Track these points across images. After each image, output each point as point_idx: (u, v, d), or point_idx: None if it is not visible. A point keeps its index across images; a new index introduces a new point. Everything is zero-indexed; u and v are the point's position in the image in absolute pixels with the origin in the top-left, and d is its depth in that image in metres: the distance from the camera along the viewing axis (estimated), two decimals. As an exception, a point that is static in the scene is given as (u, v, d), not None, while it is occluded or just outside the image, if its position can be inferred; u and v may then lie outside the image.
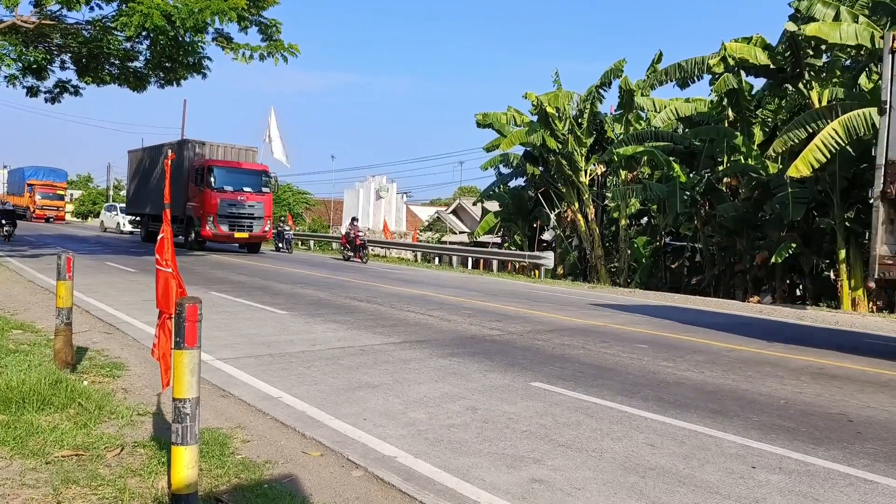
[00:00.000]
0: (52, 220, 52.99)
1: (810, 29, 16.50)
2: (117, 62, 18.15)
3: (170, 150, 4.39)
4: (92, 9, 17.23)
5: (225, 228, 24.27)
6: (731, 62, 20.24)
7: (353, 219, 28.18)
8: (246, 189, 25.23)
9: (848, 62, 21.35)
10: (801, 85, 20.09)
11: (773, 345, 9.71)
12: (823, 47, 18.13)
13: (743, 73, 21.34)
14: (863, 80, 19.78)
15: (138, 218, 32.19)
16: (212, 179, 24.31)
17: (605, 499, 3.76)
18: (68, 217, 61.89)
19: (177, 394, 3.08)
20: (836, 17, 17.05)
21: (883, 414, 5.92)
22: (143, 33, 15.49)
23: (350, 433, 4.72)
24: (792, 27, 18.11)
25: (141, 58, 18.28)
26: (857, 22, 16.82)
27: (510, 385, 6.36)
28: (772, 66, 20.03)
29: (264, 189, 26.01)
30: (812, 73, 19.93)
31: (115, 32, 16.51)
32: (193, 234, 25.00)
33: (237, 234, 24.83)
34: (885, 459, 4.64)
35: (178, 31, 15.26)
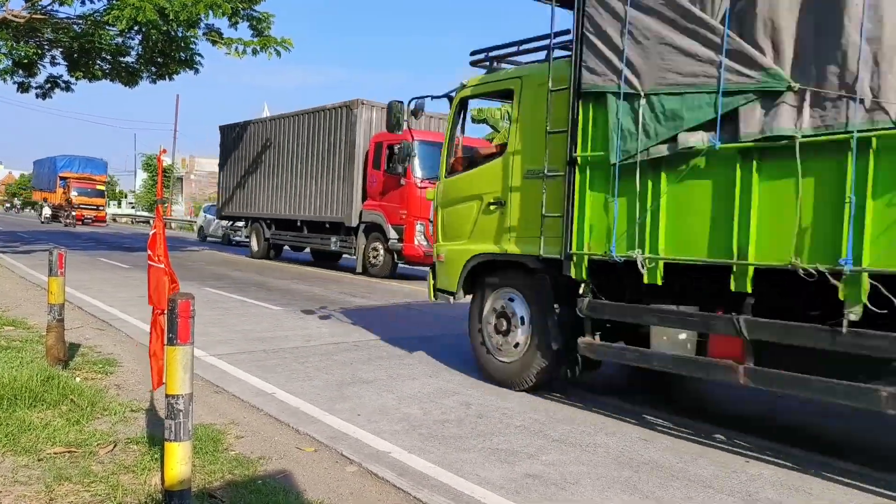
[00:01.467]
0: (90, 221, 41.75)
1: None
2: (109, 57, 18.02)
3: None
4: (84, 3, 17.12)
5: None
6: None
7: None
8: None
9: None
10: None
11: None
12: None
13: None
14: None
15: (240, 223, 24.20)
16: (416, 164, 14.70)
17: (598, 493, 3.78)
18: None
19: (170, 390, 3.07)
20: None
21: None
22: (135, 28, 15.38)
23: (344, 429, 4.71)
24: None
25: (133, 53, 18.14)
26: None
27: (504, 380, 6.35)
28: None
29: None
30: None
31: (107, 27, 16.38)
32: (384, 253, 15.72)
33: None
34: (878, 454, 4.66)
35: (171, 25, 15.16)
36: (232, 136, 22.47)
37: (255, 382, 5.89)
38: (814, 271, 3.76)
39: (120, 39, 17.40)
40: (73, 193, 41.46)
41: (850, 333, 3.70)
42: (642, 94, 4.53)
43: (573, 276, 5.10)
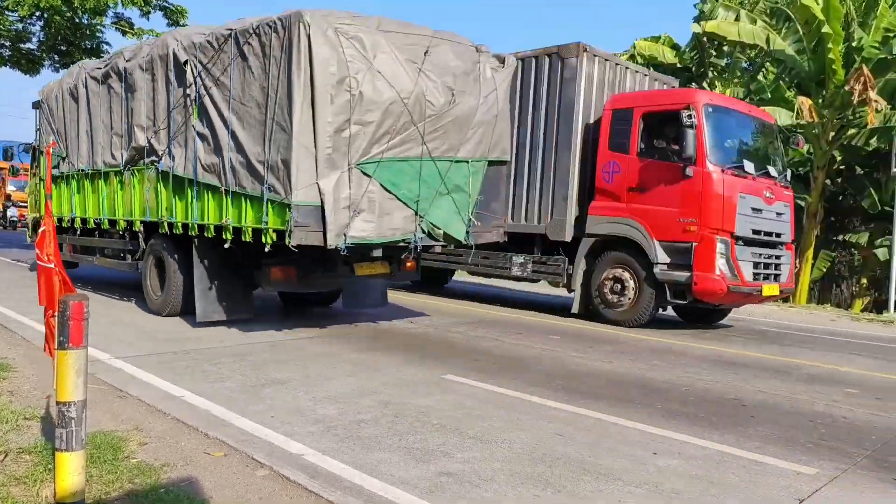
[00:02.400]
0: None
1: (710, 25, 17.24)
2: (8, 43, 17.03)
3: (47, 141, 4.00)
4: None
5: (748, 272, 9.85)
6: (640, 60, 20.95)
7: None
8: (771, 173, 10.54)
9: (747, 64, 22.47)
10: (705, 83, 20.97)
11: (679, 334, 10.09)
12: (725, 48, 18.98)
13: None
14: (759, 78, 20.84)
15: None
16: (709, 144, 9.69)
17: (511, 489, 3.80)
18: None
19: (60, 397, 2.89)
20: (737, 19, 17.87)
21: (774, 398, 6.24)
22: (38, 13, 14.58)
23: (256, 431, 4.58)
24: (697, 28, 18.88)
25: (35, 39, 17.21)
26: (755, 24, 17.68)
27: (423, 378, 6.34)
28: (678, 65, 20.85)
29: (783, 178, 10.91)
30: (715, 72, 20.85)
31: (7, 12, 15.47)
32: (639, 286, 10.25)
33: (766, 289, 10.15)
34: (774, 442, 4.88)
35: (76, 11, 14.45)
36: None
37: (163, 385, 5.65)
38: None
39: (20, 25, 16.47)
40: (11, 188, 32.11)
41: None
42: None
43: None
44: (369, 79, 7.03)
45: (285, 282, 8.38)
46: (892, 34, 16.69)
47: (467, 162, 8.07)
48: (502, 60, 8.62)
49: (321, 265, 8.34)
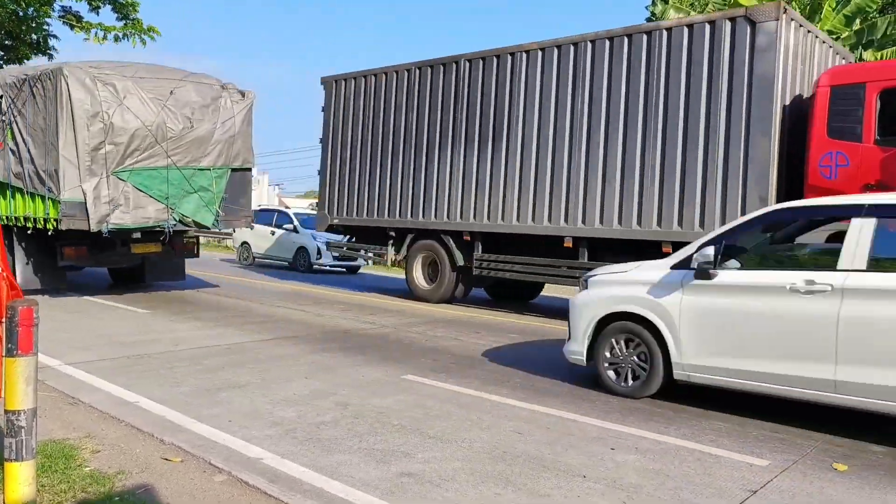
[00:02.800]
0: None
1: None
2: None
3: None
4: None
5: None
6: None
7: None
8: None
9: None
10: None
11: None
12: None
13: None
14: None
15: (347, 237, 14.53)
16: None
17: (472, 488, 3.82)
18: None
19: (9, 405, 2.80)
20: (688, 22, 18.18)
21: (728, 393, 6.38)
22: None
23: (213, 436, 4.51)
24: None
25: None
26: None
27: (382, 379, 6.33)
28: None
29: None
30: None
31: (-55, 5, 14.89)
32: None
33: None
34: (727, 435, 5.00)
35: (20, 3, 13.98)
36: (343, 95, 13.79)
37: (116, 391, 5.53)
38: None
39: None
40: None
41: None
42: None
43: None
44: (119, 112, 10.17)
45: (78, 259, 11.09)
46: (834, 36, 17.24)
47: (210, 169, 11.19)
48: (243, 94, 11.78)
49: (107, 246, 11.03)
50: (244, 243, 20.80)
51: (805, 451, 4.69)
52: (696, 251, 5.50)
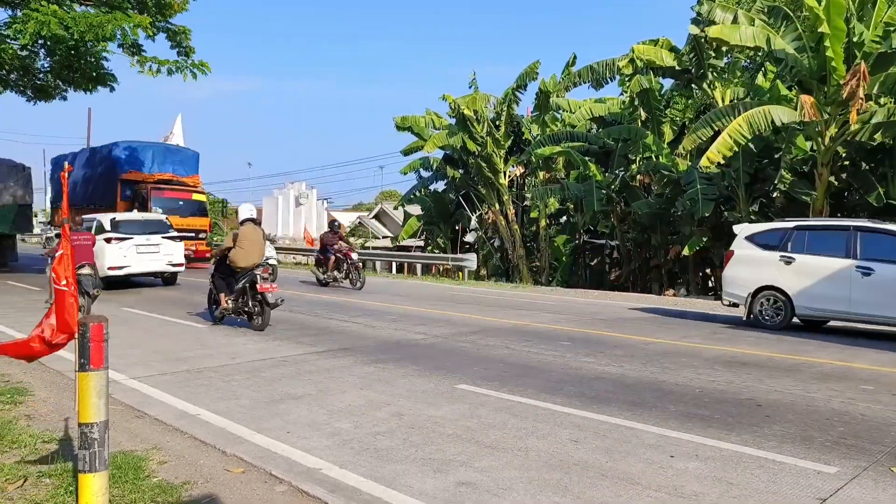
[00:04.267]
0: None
1: (713, 31, 17.24)
2: (15, 70, 17.18)
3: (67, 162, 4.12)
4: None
5: None
6: (640, 64, 21.03)
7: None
8: None
9: (746, 63, 22.49)
10: (705, 85, 20.99)
11: (689, 336, 10.07)
12: (724, 49, 18.99)
13: (651, 74, 22.15)
14: (759, 79, 20.85)
15: None
16: None
17: (530, 497, 3.80)
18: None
19: (83, 418, 2.91)
20: (735, 21, 17.88)
21: (788, 397, 6.22)
22: (40, 41, 14.73)
23: (273, 447, 4.60)
24: (695, 30, 18.92)
25: (41, 66, 17.38)
26: (753, 25, 17.69)
27: (435, 389, 6.35)
28: (677, 68, 20.89)
29: None
30: (715, 73, 20.87)
31: (9, 40, 15.62)
32: None
33: None
34: (790, 440, 4.87)
35: (78, 40, 14.60)
36: None
37: (178, 404, 5.68)
38: None
39: (24, 52, 16.62)
40: (156, 210, 22.23)
41: None
42: None
43: None
44: None
45: None
46: (892, 28, 16.67)
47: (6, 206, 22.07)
48: (24, 168, 23.14)
49: None
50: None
51: (875, 456, 4.54)
52: None
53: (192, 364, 7.29)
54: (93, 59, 16.66)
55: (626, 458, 4.44)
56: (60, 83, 17.48)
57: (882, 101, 15.98)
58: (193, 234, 23.00)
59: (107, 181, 23.99)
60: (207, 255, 22.70)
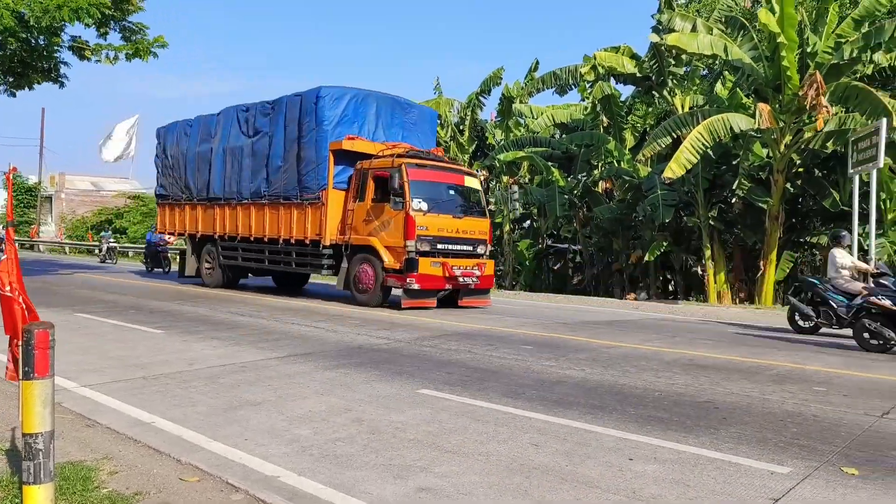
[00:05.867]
0: (469, 286, 14.28)
1: (671, 38, 17.57)
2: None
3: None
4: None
5: None
6: (601, 70, 21.27)
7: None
8: None
9: (705, 71, 22.93)
10: (665, 92, 21.34)
11: (649, 339, 10.20)
12: (684, 57, 19.34)
13: (612, 81, 22.45)
14: (718, 87, 21.27)
15: None
16: None
17: (491, 501, 3.79)
18: None
19: (26, 428, 2.82)
20: (693, 29, 18.23)
21: (745, 399, 6.33)
22: (-7, 33, 14.30)
23: (230, 455, 4.51)
24: (655, 38, 19.23)
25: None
26: (711, 34, 18.05)
27: (397, 393, 6.31)
28: (638, 75, 21.21)
29: None
30: (675, 81, 21.23)
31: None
32: None
33: None
34: (746, 442, 4.95)
35: (32, 31, 14.18)
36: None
37: (132, 412, 5.54)
38: None
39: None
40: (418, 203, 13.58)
41: None
42: None
43: None
44: None
45: None
46: (843, 40, 17.16)
47: None
48: None
49: None
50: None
51: (826, 456, 4.63)
52: None
53: (148, 371, 7.12)
54: (46, 54, 16.21)
55: (586, 462, 4.46)
56: (10, 79, 16.95)
57: (833, 110, 16.42)
58: (470, 248, 14.29)
59: (299, 156, 14.81)
60: (473, 275, 14.07)
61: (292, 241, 15.42)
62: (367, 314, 12.83)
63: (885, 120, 14.83)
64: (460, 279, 13.82)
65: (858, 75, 17.69)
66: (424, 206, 13.54)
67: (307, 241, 15.05)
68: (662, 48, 18.95)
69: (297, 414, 5.54)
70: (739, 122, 17.01)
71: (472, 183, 14.90)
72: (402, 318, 12.21)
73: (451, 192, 14.38)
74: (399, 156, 13.87)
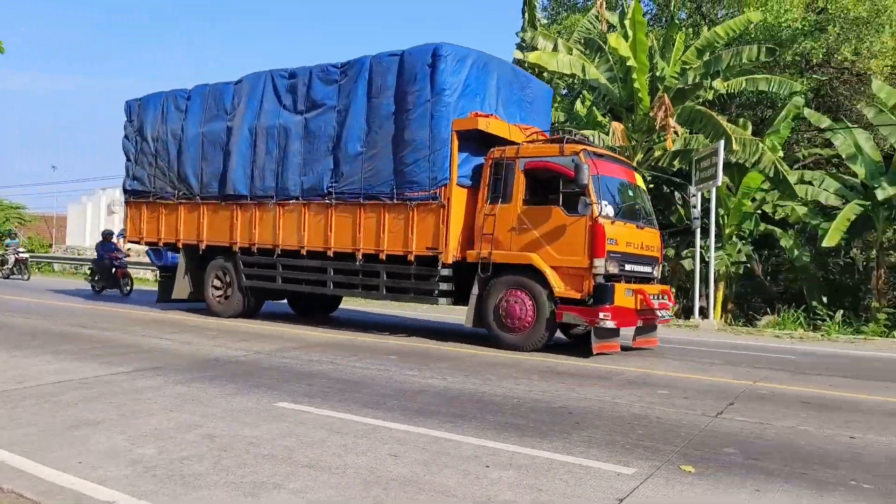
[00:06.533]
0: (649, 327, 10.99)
1: (533, 56, 18.29)
2: None
3: None
4: None
5: None
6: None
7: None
8: None
9: (565, 91, 24.04)
10: (528, 108, 22.12)
11: (510, 350, 10.45)
12: (545, 74, 20.16)
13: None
14: (578, 105, 22.36)
15: None
16: None
17: (345, 517, 3.69)
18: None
19: None
20: (555, 49, 19.08)
21: (597, 404, 6.62)
22: None
23: (61, 480, 4.12)
24: (518, 55, 19.91)
25: None
26: (571, 54, 18.97)
27: (254, 408, 6.06)
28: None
29: None
30: (537, 98, 22.06)
31: None
32: None
33: None
34: (597, 445, 5.16)
35: None
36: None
37: (-54, 437, 4.95)
38: None
39: None
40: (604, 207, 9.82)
41: None
42: None
43: None
44: None
45: None
46: (687, 66, 18.58)
47: None
48: None
49: None
50: None
51: (668, 456, 4.91)
52: None
53: (-31, 389, 6.42)
54: None
55: (444, 471, 4.47)
56: None
57: (679, 131, 17.70)
58: (650, 270, 10.86)
59: (400, 138, 10.94)
60: (668, 307, 10.85)
61: (381, 256, 11.08)
62: (224, 325, 12.29)
63: (722, 142, 16.18)
64: (658, 312, 10.32)
65: (701, 100, 19.20)
66: (610, 210, 9.83)
67: (410, 258, 10.77)
68: (525, 65, 19.66)
69: (141, 432, 5.17)
70: (595, 138, 17.95)
71: (641, 182, 11.53)
72: (263, 329, 11.80)
73: (630, 192, 10.81)
74: (569, 141, 10.21)
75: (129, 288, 18.80)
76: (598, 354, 9.68)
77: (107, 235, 19.79)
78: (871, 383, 8.59)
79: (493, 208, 10.32)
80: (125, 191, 15.11)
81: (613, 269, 9.67)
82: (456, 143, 10.45)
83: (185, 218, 13.76)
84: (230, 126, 12.95)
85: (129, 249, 21.26)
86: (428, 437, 5.23)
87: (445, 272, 10.60)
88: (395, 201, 10.89)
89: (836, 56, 21.29)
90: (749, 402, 6.98)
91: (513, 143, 10.63)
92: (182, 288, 14.14)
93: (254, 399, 6.38)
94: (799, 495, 4.20)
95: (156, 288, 16.61)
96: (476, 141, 10.67)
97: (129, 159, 14.83)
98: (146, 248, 16.80)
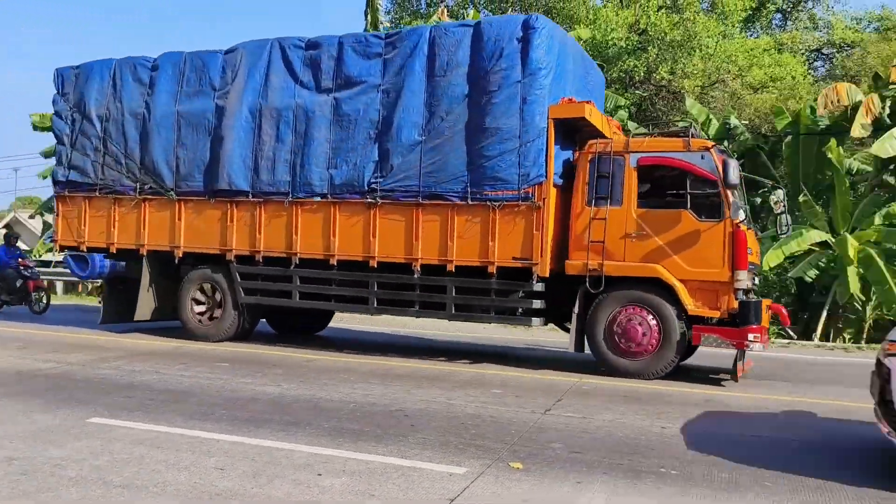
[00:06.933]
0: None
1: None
2: None
3: None
4: None
5: None
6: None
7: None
8: None
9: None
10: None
11: (349, 348, 10.34)
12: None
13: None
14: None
15: None
16: None
17: (162, 539, 3.44)
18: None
19: None
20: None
21: (433, 405, 6.69)
22: None
23: None
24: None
25: None
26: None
27: (61, 425, 5.52)
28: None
29: None
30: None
31: None
32: None
33: None
34: (431, 447, 5.21)
35: None
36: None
37: None
38: None
39: None
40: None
41: None
42: None
43: None
44: None
45: None
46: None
47: None
48: None
49: None
50: None
51: (498, 454, 5.06)
52: None
53: None
54: None
55: (274, 482, 4.31)
56: None
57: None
58: (754, 280, 9.83)
59: (478, 125, 9.07)
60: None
61: (449, 268, 9.23)
62: (34, 335, 11.14)
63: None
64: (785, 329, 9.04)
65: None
66: (742, 215, 8.45)
67: (491, 269, 9.00)
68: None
69: (-80, 459, 4.53)
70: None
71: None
72: (80, 339, 10.83)
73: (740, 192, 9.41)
74: (692, 136, 8.81)
75: (44, 304, 14.89)
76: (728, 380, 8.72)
77: (10, 239, 15.59)
78: (679, 377, 9.36)
79: (598, 211, 8.75)
80: (56, 182, 11.80)
81: (750, 284, 8.64)
82: (553, 133, 8.87)
83: (153, 218, 10.97)
84: (221, 105, 10.46)
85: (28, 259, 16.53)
86: (258, 448, 5.03)
87: (539, 287, 8.87)
88: (470, 202, 9.05)
89: (654, 75, 23.17)
90: (575, 397, 7.36)
91: (604, 136, 9.32)
92: (146, 304, 11.29)
93: (62, 415, 5.81)
94: (616, 485, 4.48)
95: (67, 302, 13.92)
96: (562, 133, 9.14)
97: (62, 143, 11.70)
98: (63, 253, 13.66)
